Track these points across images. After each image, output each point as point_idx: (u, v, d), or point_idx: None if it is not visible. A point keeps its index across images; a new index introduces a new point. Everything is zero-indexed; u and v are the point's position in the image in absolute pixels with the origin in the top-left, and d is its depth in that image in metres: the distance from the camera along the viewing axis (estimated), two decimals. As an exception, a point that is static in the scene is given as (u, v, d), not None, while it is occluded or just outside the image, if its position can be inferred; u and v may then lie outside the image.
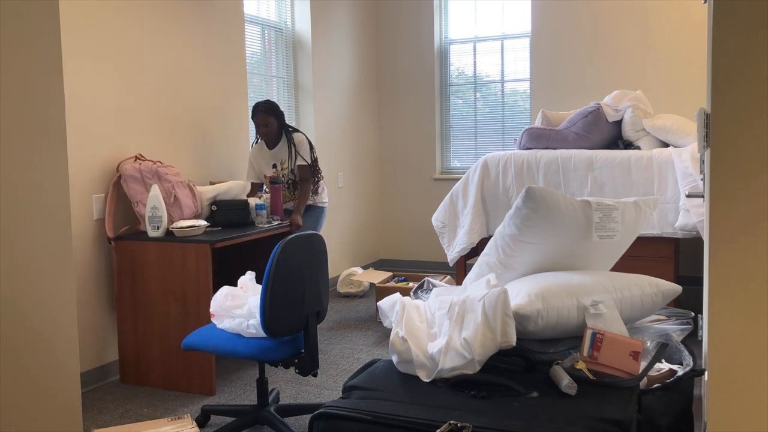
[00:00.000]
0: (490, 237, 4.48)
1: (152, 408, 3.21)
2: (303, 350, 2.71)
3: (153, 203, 3.45)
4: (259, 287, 2.75)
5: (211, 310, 2.79)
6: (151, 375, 3.46)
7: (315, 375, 2.80)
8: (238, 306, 2.71)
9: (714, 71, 1.51)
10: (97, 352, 3.54)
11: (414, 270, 6.35)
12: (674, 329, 2.35)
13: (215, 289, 3.75)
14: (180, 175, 3.68)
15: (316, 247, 2.73)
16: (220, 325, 2.75)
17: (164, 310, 3.41)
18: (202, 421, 3.00)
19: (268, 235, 4.04)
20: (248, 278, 2.85)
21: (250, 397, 3.32)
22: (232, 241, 3.45)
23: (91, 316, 3.50)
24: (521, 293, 2.03)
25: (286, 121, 4.33)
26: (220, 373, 3.67)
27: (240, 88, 4.55)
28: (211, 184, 4.13)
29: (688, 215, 3.83)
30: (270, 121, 4.10)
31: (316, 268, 2.73)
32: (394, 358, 1.84)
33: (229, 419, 3.01)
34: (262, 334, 2.61)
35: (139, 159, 3.66)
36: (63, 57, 3.31)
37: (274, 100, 5.21)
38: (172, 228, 3.44)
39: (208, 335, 2.75)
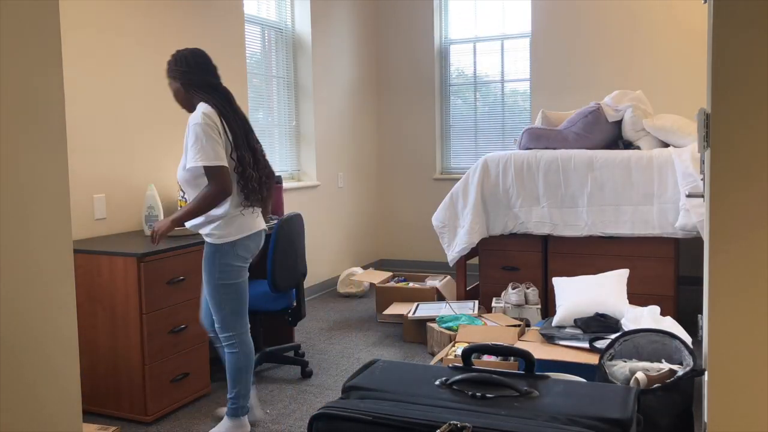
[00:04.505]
0: (490, 237, 4.50)
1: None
2: (295, 302, 3.55)
3: (149, 202, 3.45)
4: None
5: None
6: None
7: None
8: None
9: (714, 71, 1.51)
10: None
11: (414, 270, 6.35)
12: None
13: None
14: None
15: (301, 224, 3.57)
16: None
17: (92, 321, 3.11)
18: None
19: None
20: None
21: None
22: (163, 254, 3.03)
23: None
24: None
25: (198, 78, 2.77)
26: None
27: (240, 88, 4.55)
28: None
29: (688, 215, 3.83)
30: (169, 84, 2.86)
31: (301, 240, 3.60)
32: None
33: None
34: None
35: None
36: (63, 57, 3.31)
37: (274, 99, 5.21)
38: None
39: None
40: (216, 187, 2.62)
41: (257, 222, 2.82)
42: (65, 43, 3.33)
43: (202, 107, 2.70)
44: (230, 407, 2.83)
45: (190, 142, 2.64)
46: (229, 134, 2.69)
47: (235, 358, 2.81)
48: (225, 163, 2.64)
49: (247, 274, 2.82)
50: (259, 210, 2.85)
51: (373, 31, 6.32)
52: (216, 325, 2.80)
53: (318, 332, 4.47)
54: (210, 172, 2.62)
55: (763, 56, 1.47)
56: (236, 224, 2.72)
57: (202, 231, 2.75)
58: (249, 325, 2.87)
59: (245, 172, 2.69)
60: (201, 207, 2.64)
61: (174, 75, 2.78)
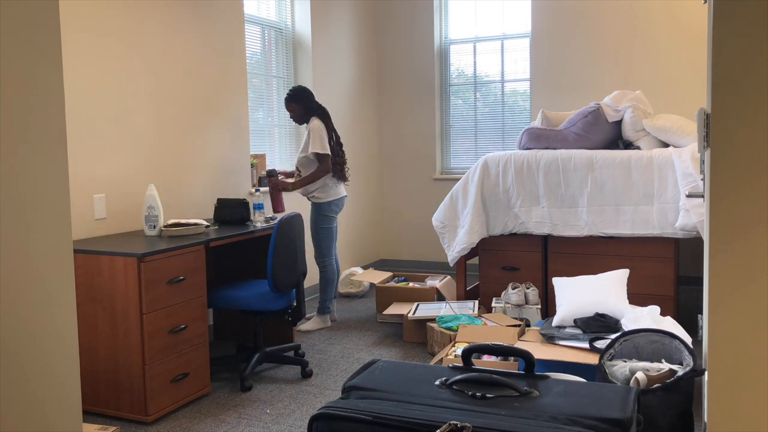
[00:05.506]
0: (490, 237, 4.50)
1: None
2: (295, 302, 3.68)
3: (149, 202, 3.45)
4: None
5: None
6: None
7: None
8: None
9: (714, 71, 1.51)
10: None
11: (414, 270, 6.35)
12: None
13: (210, 287, 3.76)
14: None
15: (300, 223, 3.69)
16: None
17: (92, 321, 3.11)
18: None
19: (264, 234, 4.03)
20: None
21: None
22: (167, 253, 3.06)
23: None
24: None
25: (311, 104, 4.41)
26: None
27: (240, 89, 4.55)
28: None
29: (688, 215, 3.83)
30: (292, 107, 4.40)
31: (301, 240, 3.69)
32: None
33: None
34: None
35: None
36: (63, 57, 3.31)
37: (274, 99, 5.21)
38: (163, 228, 3.42)
39: (226, 295, 3.53)
40: (324, 166, 4.29)
41: (341, 190, 4.47)
42: (65, 43, 3.33)
43: (316, 120, 4.34)
44: (319, 307, 4.53)
45: (313, 139, 4.26)
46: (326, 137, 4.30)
47: (323, 275, 4.48)
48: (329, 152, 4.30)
49: (335, 223, 4.46)
50: (342, 183, 4.47)
51: (373, 31, 6.32)
52: (314, 253, 4.46)
53: (318, 332, 4.47)
54: (320, 157, 4.29)
55: (763, 56, 1.47)
56: (328, 191, 4.39)
57: (311, 194, 4.37)
58: (335, 257, 4.53)
59: (334, 159, 4.36)
60: (313, 178, 4.28)
61: (297, 100, 4.35)
